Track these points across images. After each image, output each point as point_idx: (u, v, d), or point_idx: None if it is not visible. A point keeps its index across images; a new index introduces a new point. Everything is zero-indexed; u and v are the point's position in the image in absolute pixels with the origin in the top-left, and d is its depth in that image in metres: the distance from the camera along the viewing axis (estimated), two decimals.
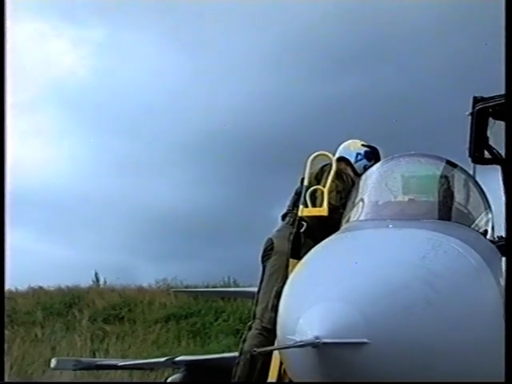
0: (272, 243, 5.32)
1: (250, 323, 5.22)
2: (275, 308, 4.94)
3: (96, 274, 18.31)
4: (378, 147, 5.73)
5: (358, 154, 5.63)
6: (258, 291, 5.25)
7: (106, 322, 16.08)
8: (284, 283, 4.89)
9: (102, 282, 18.35)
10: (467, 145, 5.31)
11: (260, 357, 4.82)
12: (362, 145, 5.69)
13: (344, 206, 4.94)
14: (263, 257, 5.36)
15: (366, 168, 5.41)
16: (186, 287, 16.90)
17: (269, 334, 4.88)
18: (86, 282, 18.04)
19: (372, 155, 5.64)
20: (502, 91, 5.02)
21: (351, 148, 5.68)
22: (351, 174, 5.49)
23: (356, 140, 5.76)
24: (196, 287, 16.46)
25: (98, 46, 23.28)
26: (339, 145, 5.78)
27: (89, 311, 16.37)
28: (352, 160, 5.60)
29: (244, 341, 5.11)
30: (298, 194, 5.40)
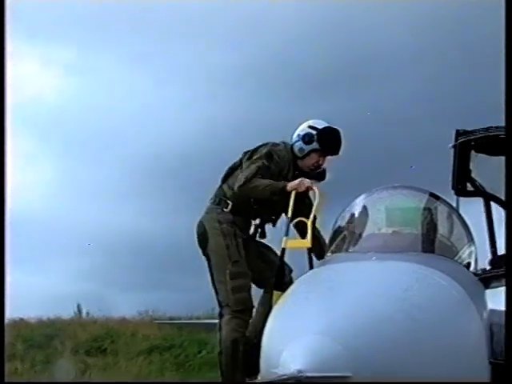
0: (204, 227, 5.31)
1: (219, 312, 5.20)
2: (236, 289, 5.05)
3: (78, 306, 18.12)
4: (337, 129, 5.31)
5: (298, 135, 5.34)
6: (213, 282, 5.24)
7: (88, 354, 15.86)
8: (234, 262, 5.10)
9: (84, 313, 18.16)
10: (450, 177, 5.36)
11: (241, 339, 4.94)
12: (309, 126, 5.33)
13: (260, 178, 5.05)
14: (200, 242, 5.35)
15: (302, 151, 5.28)
16: (170, 318, 16.74)
17: (242, 313, 5.02)
18: (67, 313, 17.83)
19: (311, 138, 5.26)
20: (485, 124, 5.10)
21: (300, 128, 5.39)
22: (286, 154, 5.30)
23: (312, 120, 5.39)
24: (180, 318, 16.31)
25: (66, 68, 22.99)
26: None
27: (71, 343, 16.14)
28: (293, 141, 5.37)
29: (220, 329, 5.09)
30: (232, 169, 5.42)
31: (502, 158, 5.21)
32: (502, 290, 4.88)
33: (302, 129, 5.34)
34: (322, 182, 5.40)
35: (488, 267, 4.85)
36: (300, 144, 5.30)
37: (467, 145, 5.11)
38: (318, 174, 5.39)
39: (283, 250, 4.86)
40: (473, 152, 5.20)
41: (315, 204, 4.91)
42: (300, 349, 2.87)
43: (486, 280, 4.58)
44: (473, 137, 5.06)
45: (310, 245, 4.71)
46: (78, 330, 16.93)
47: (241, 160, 5.40)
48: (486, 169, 5.36)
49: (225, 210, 5.30)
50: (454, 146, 5.11)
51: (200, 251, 5.37)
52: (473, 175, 5.39)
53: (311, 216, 4.81)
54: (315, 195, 4.97)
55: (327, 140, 5.26)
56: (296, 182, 5.04)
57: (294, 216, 4.89)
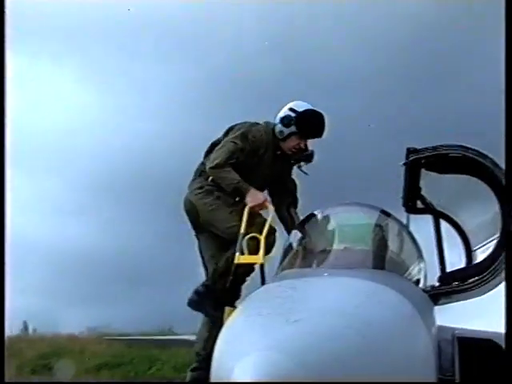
0: (190, 201, 5.35)
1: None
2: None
3: (24, 323, 17.70)
4: (317, 112, 5.25)
5: (279, 117, 5.32)
6: (203, 260, 5.29)
7: (33, 372, 15.48)
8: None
9: (30, 330, 17.75)
10: (401, 194, 5.42)
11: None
12: (290, 108, 5.28)
13: (234, 165, 5.09)
14: (190, 217, 5.38)
15: (282, 133, 5.26)
16: (120, 335, 16.47)
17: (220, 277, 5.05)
18: (13, 330, 17.38)
19: (290, 121, 5.22)
20: (435, 143, 5.18)
21: (282, 110, 5.35)
22: (264, 135, 5.30)
23: (294, 102, 5.33)
24: (130, 335, 16.07)
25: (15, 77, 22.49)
26: None
27: (16, 361, 15.72)
28: (275, 122, 5.35)
29: None
30: (213, 145, 5.42)
31: (452, 176, 5.32)
32: (450, 306, 4.97)
33: (284, 111, 5.31)
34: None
35: (437, 284, 4.91)
36: (280, 126, 5.28)
37: (418, 163, 5.18)
38: (305, 156, 5.38)
39: (236, 265, 4.83)
40: (423, 170, 5.27)
41: (269, 220, 4.92)
42: (251, 365, 2.84)
43: (434, 296, 4.64)
44: (423, 155, 5.13)
45: (262, 260, 4.70)
46: (24, 347, 16.52)
47: (223, 136, 5.40)
48: (436, 187, 5.44)
49: (206, 181, 5.31)
50: (405, 164, 5.17)
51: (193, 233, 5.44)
52: (423, 193, 5.46)
53: (264, 232, 4.80)
54: (269, 211, 4.99)
55: (305, 123, 5.22)
56: (257, 201, 5.03)
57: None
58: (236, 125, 5.38)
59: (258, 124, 5.40)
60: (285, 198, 5.53)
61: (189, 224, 5.45)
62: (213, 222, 5.25)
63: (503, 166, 4.83)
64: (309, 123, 5.22)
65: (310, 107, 5.26)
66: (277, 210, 5.32)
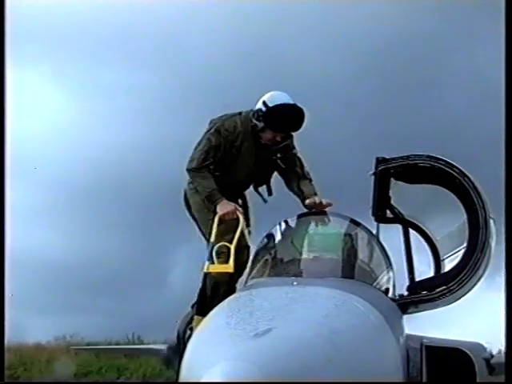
0: (184, 192, 5.44)
1: None
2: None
3: None
4: (289, 106, 5.09)
5: (254, 110, 5.24)
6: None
7: None
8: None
9: None
10: (371, 204, 5.45)
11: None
12: (263, 101, 5.16)
13: (212, 163, 5.11)
14: (187, 208, 5.45)
15: (257, 126, 5.17)
16: (88, 344, 16.26)
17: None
18: None
19: (259, 117, 5.13)
20: (404, 152, 5.23)
21: (260, 100, 5.24)
22: (240, 127, 5.22)
23: (271, 93, 5.20)
24: (98, 344, 15.87)
25: None
26: None
27: None
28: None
29: None
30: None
31: (420, 186, 5.37)
32: (419, 315, 5.01)
33: (259, 103, 5.20)
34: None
35: (405, 293, 4.94)
36: (254, 119, 5.20)
37: (387, 172, 5.21)
38: (280, 148, 5.33)
39: (205, 274, 4.81)
40: (392, 179, 5.31)
41: (239, 229, 4.89)
42: (218, 374, 2.82)
43: (403, 305, 4.67)
44: (392, 165, 5.17)
45: (232, 270, 4.68)
46: None
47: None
48: (405, 196, 5.49)
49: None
50: (375, 174, 5.21)
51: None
52: (392, 202, 5.50)
53: (234, 241, 4.78)
54: (240, 221, 4.96)
55: (274, 119, 5.09)
56: (226, 209, 5.00)
57: None
58: (215, 118, 5.32)
59: (235, 115, 5.30)
60: (290, 175, 5.45)
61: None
62: (198, 221, 5.31)
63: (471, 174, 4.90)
64: (277, 119, 5.09)
65: (282, 101, 5.11)
66: (290, 189, 5.40)
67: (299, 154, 5.48)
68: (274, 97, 5.15)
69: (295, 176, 5.42)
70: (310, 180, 5.42)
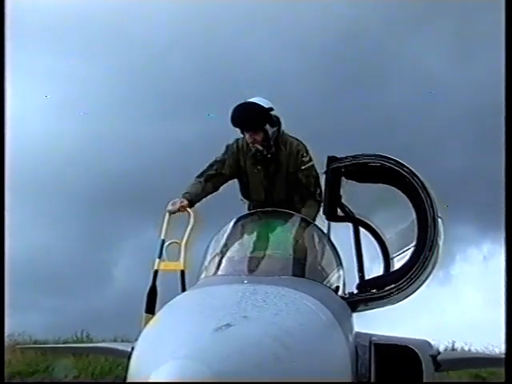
0: None
1: None
2: None
3: None
4: (242, 104, 5.10)
5: None
6: None
7: None
8: None
9: None
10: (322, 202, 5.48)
11: None
12: None
13: (216, 175, 5.28)
14: None
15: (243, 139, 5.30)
16: (35, 343, 15.96)
17: None
18: None
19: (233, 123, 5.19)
20: (353, 149, 5.28)
21: None
22: (235, 144, 5.37)
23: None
24: (46, 342, 15.59)
25: None
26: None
27: None
28: None
29: None
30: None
31: (370, 185, 5.42)
32: (368, 313, 5.06)
33: None
34: None
35: (355, 291, 4.98)
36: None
37: (338, 171, 5.25)
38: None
39: (156, 272, 4.77)
40: (343, 178, 5.35)
41: (189, 226, 4.87)
42: (167, 374, 2.79)
43: (353, 303, 4.71)
44: (343, 163, 5.21)
45: (182, 267, 4.66)
46: None
47: None
48: (356, 195, 5.53)
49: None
50: (326, 172, 5.24)
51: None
52: (343, 201, 5.54)
53: (184, 238, 4.76)
54: (190, 217, 4.94)
55: (231, 117, 5.11)
56: (173, 205, 5.00)
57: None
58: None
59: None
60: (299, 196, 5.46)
61: None
62: None
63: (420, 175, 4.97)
64: (232, 116, 5.10)
65: (241, 102, 5.13)
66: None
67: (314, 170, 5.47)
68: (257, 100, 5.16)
69: (306, 193, 5.42)
70: (316, 200, 5.42)
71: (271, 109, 5.16)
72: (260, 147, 5.23)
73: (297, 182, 5.36)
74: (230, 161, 5.33)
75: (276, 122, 5.20)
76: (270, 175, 5.37)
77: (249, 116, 5.14)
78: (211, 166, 5.31)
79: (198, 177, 5.27)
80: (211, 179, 5.28)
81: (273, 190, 5.40)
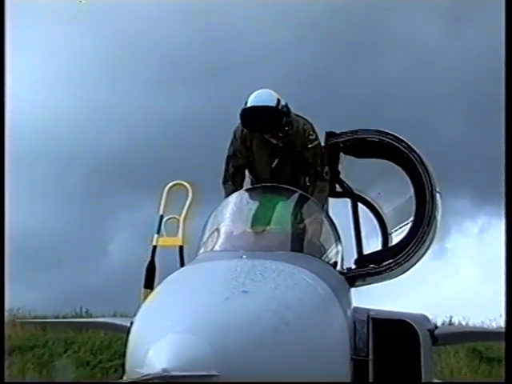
0: None
1: None
2: None
3: None
4: (254, 108, 4.93)
5: None
6: None
7: None
8: None
9: None
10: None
11: None
12: (245, 101, 5.02)
13: (238, 171, 5.30)
14: None
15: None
16: (34, 318, 16.04)
17: None
18: None
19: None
20: (350, 124, 5.26)
21: None
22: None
23: (254, 93, 4.99)
24: (45, 317, 15.66)
25: None
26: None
27: None
28: None
29: None
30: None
31: (369, 160, 5.41)
32: (366, 288, 5.08)
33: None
34: None
35: (353, 266, 5.00)
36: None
37: (336, 147, 5.24)
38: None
39: (154, 247, 4.78)
40: (341, 154, 5.34)
41: (188, 201, 4.87)
42: (166, 347, 2.81)
43: (351, 279, 4.73)
44: (341, 139, 5.20)
45: (181, 242, 4.66)
46: None
47: None
48: (354, 170, 5.53)
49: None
50: (324, 148, 5.22)
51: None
52: (341, 176, 5.53)
53: (183, 213, 4.76)
54: (188, 192, 4.94)
55: (243, 122, 5.03)
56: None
57: None
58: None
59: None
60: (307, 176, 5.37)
61: None
62: None
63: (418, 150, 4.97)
64: (244, 121, 5.01)
65: (253, 103, 4.93)
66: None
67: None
68: (252, 97, 4.96)
69: (313, 173, 5.29)
70: (323, 179, 5.26)
71: (279, 101, 4.96)
72: (274, 141, 5.14)
73: (303, 161, 5.24)
74: (239, 146, 5.23)
75: (286, 111, 5.03)
76: (277, 154, 5.27)
77: (262, 123, 4.98)
78: (227, 164, 5.29)
79: (224, 182, 5.28)
80: (236, 177, 5.28)
81: (279, 169, 5.29)
